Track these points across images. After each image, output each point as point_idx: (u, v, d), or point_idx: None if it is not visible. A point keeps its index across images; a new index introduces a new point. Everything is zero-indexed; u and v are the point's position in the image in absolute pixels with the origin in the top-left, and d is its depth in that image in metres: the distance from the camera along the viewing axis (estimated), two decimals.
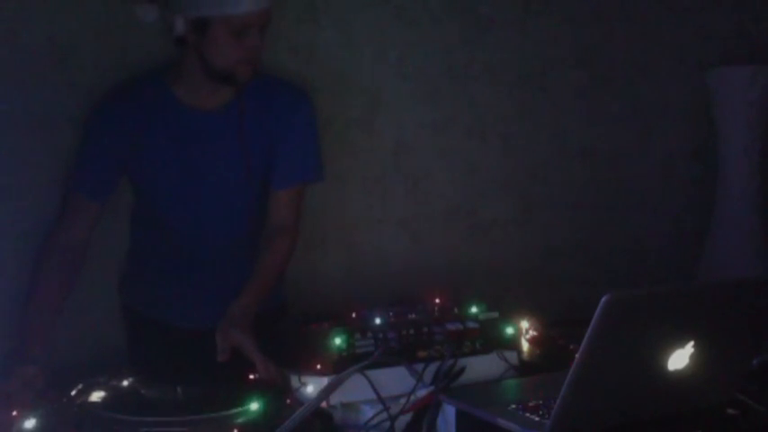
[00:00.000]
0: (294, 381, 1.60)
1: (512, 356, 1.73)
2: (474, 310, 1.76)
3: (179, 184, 2.06)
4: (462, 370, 1.62)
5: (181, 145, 2.04)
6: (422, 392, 1.55)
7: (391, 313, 1.70)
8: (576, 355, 1.28)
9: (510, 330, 1.76)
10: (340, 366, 1.57)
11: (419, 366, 1.60)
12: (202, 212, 2.08)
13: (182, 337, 2.10)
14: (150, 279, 2.17)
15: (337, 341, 1.60)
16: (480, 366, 1.67)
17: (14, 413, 1.48)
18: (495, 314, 1.76)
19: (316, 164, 2.14)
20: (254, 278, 1.96)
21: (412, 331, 1.67)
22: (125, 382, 1.63)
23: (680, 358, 1.37)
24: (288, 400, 1.55)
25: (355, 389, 1.55)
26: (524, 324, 1.91)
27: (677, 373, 1.38)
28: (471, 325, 1.72)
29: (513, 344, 1.77)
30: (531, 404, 1.46)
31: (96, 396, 1.56)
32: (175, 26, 1.93)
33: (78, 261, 2.00)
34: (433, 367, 1.60)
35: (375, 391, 1.54)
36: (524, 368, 1.75)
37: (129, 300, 2.21)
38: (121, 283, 2.22)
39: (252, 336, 1.73)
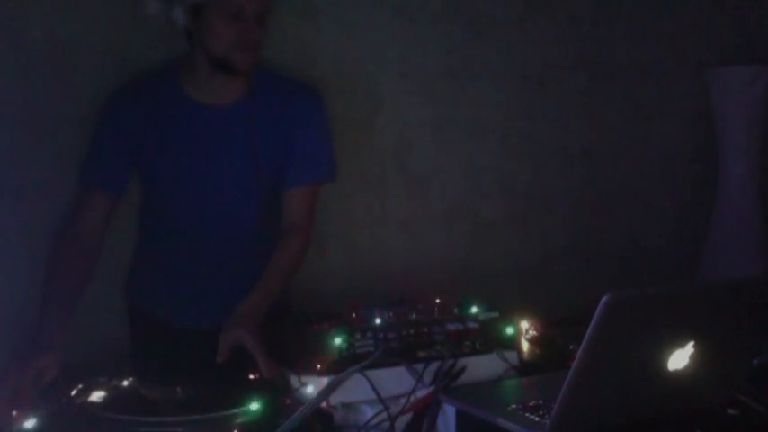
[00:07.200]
0: (294, 381, 1.60)
1: (512, 356, 1.73)
2: (474, 310, 1.76)
3: (188, 181, 2.06)
4: (462, 370, 1.62)
5: (190, 141, 2.04)
6: (422, 392, 1.54)
7: (391, 313, 1.70)
8: (576, 355, 1.28)
9: (510, 330, 1.76)
10: (340, 366, 1.57)
11: (419, 366, 1.60)
12: (210, 209, 2.08)
13: (186, 336, 2.10)
14: (156, 278, 2.17)
15: (337, 341, 1.60)
16: (480, 366, 1.67)
17: (15, 413, 1.47)
18: (495, 314, 1.76)
19: (329, 164, 2.15)
20: (264, 277, 1.95)
21: (412, 331, 1.67)
22: (125, 382, 1.63)
23: (680, 358, 1.37)
24: (288, 400, 1.55)
25: (355, 389, 1.55)
26: (524, 324, 1.91)
27: (677, 373, 1.38)
28: (471, 325, 1.72)
29: (513, 344, 1.77)
30: (531, 404, 1.46)
31: (96, 396, 1.56)
32: (175, 17, 1.94)
33: (93, 252, 2.01)
34: (433, 367, 1.60)
35: (375, 391, 1.53)
36: (524, 368, 1.74)
37: (134, 299, 2.21)
38: (127, 283, 2.22)
39: (256, 334, 1.73)
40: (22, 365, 1.64)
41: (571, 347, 1.81)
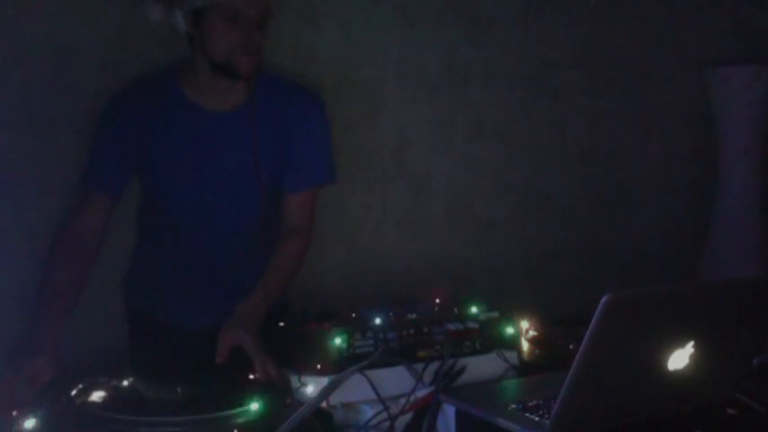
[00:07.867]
0: (294, 381, 1.60)
1: (512, 356, 1.73)
2: (474, 310, 1.76)
3: (188, 185, 2.06)
4: (462, 370, 1.62)
5: (191, 145, 2.04)
6: (422, 392, 1.54)
7: (391, 313, 1.70)
8: (576, 355, 1.28)
9: (510, 330, 1.76)
10: (340, 366, 1.57)
11: (419, 366, 1.60)
12: (210, 212, 2.09)
13: (185, 337, 2.10)
14: (156, 279, 2.17)
15: (337, 341, 1.60)
16: (480, 366, 1.67)
17: (14, 413, 1.47)
18: (495, 314, 1.76)
19: (328, 166, 2.16)
20: (264, 279, 1.96)
21: (412, 331, 1.67)
22: (125, 382, 1.63)
23: (680, 358, 1.37)
24: (288, 400, 1.55)
25: (355, 389, 1.55)
26: (524, 324, 1.91)
27: (677, 373, 1.38)
28: (471, 325, 1.72)
29: (513, 344, 1.77)
30: (531, 404, 1.46)
31: (96, 396, 1.56)
32: (176, 21, 1.94)
33: (90, 253, 2.00)
34: (432, 367, 1.60)
35: (375, 391, 1.53)
36: (524, 368, 1.74)
37: (133, 300, 2.21)
38: (126, 284, 2.22)
39: (255, 335, 1.73)
40: (17, 368, 1.64)
41: (571, 347, 1.81)
